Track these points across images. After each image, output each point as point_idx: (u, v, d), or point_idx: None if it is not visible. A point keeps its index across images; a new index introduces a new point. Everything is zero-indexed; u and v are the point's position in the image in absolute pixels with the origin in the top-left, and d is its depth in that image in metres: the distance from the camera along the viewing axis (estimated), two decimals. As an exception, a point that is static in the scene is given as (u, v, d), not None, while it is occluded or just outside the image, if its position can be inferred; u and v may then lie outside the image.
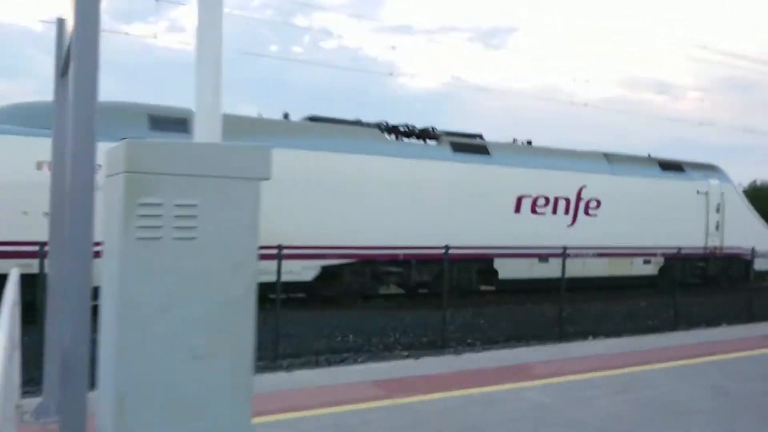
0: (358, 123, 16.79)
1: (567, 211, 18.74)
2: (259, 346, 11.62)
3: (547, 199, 18.36)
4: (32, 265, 8.62)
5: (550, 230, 17.97)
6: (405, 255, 16.21)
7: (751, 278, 18.27)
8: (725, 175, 22.77)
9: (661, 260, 20.36)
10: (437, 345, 12.76)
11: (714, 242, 21.55)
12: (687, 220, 20.70)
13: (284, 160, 11.67)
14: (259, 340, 10.37)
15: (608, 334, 15.00)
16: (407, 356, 11.02)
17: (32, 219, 10.98)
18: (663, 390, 6.05)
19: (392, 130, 17.10)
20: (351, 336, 13.05)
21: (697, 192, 21.26)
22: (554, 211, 18.52)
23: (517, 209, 17.94)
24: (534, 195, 18.14)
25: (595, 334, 14.71)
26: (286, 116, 16.04)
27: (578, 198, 18.84)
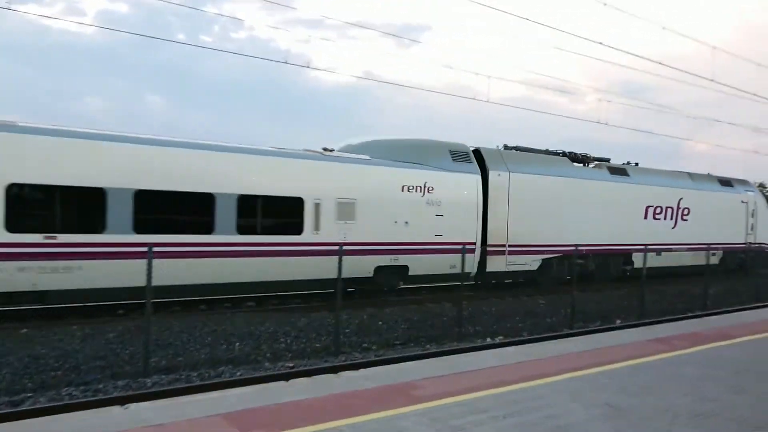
0: (546, 151, 22.45)
1: (672, 217, 24.91)
2: (129, 359, 10.60)
3: (661, 208, 24.41)
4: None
5: (662, 231, 24.16)
6: (586, 251, 21.06)
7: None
8: (753, 187, 30.04)
9: (721, 253, 26.57)
10: (331, 351, 11.97)
11: (749, 239, 28.16)
12: (736, 223, 27.47)
13: (530, 182, 20.26)
14: (130, 353, 9.16)
15: (507, 333, 14.80)
16: (292, 368, 10.17)
17: (397, 226, 17.37)
18: (554, 411, 5.52)
19: (569, 156, 22.84)
20: (237, 343, 12.00)
21: (741, 201, 27.85)
22: (665, 218, 24.63)
23: (645, 216, 23.90)
24: (654, 205, 24.15)
25: (494, 334, 14.44)
26: (506, 147, 21.46)
27: (678, 207, 25.04)
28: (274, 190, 15.56)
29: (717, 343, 8.79)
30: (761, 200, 29.45)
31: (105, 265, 13.16)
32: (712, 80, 18.13)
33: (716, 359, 7.84)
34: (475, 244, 18.75)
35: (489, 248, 19.29)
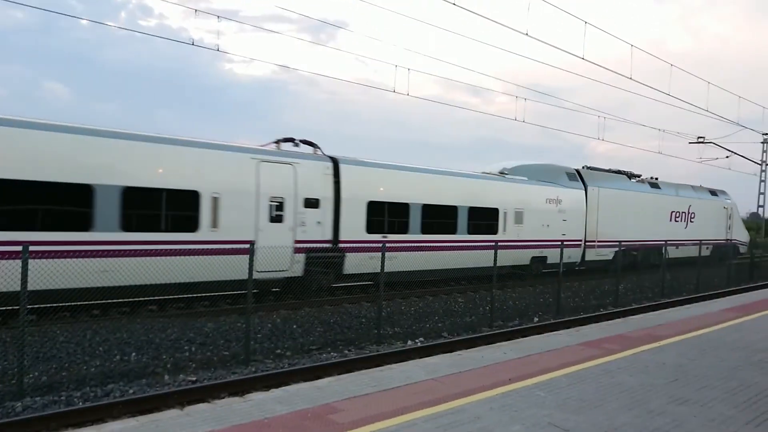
0: (610, 170, 29.28)
1: (684, 220, 32.08)
2: (1, 377, 9.08)
3: (678, 213, 31.53)
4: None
5: (678, 231, 31.11)
6: (638, 246, 28.16)
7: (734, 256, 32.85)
8: (730, 196, 37.14)
9: (711, 246, 32.02)
10: (240, 359, 10.91)
11: (729, 236, 36.13)
12: (721, 224, 35.36)
13: (610, 194, 27.03)
14: (2, 368, 7.71)
15: (427, 334, 14.24)
16: (194, 382, 9.07)
17: (543, 228, 23.59)
18: (494, 434, 4.86)
19: (626, 174, 29.76)
20: (134, 353, 10.72)
21: (723, 207, 35.84)
22: (681, 220, 31.74)
23: (670, 219, 30.92)
24: (676, 210, 31.35)
25: (414, 336, 13.84)
26: (587, 167, 28.00)
27: (688, 212, 32.34)
28: (486, 203, 21.66)
29: (646, 346, 8.50)
30: (735, 207, 38.48)
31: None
32: (630, 77, 18.31)
33: (650, 365, 7.49)
34: (581, 240, 25.63)
35: (587, 243, 26.16)
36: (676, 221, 31.59)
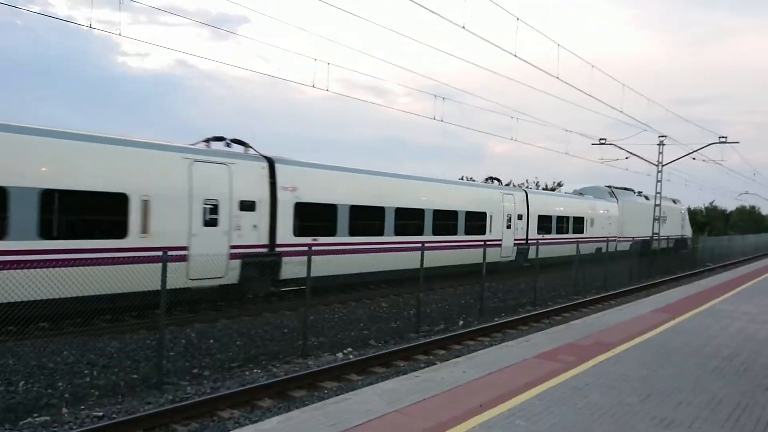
0: (624, 188, 40.39)
1: (662, 221, 38.81)
2: None
3: (657, 217, 37.75)
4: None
5: (660, 229, 38.07)
6: (636, 239, 38.43)
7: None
8: (682, 202, 49.62)
9: (640, 241, 38.69)
10: (152, 382, 9.61)
11: (682, 233, 46.78)
12: (678, 223, 46.18)
13: (628, 205, 38.52)
14: None
15: (354, 343, 13.42)
16: (101, 418, 7.74)
17: (600, 229, 35.05)
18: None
19: (630, 189, 41.42)
20: (22, 382, 9.15)
21: (680, 212, 48.08)
22: (662, 222, 38.57)
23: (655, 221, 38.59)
24: (657, 215, 37.70)
25: (341, 345, 12.97)
26: (610, 186, 39.02)
27: (663, 215, 39.25)
28: (574, 212, 33.14)
29: (602, 357, 8.12)
30: (686, 211, 51.07)
31: None
32: (557, 77, 18.32)
33: (615, 379, 7.06)
34: (616, 237, 36.05)
35: (618, 239, 36.43)
36: (655, 221, 37.96)
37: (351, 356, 12.03)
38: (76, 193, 12.26)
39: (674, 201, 47.11)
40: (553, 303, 21.00)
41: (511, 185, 42.33)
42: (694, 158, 33.00)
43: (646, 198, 40.79)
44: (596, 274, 25.56)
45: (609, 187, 38.58)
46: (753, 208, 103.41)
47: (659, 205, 35.37)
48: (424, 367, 10.48)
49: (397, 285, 19.99)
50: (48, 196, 11.87)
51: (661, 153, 33.08)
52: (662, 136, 32.86)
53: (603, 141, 34.26)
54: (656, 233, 35.18)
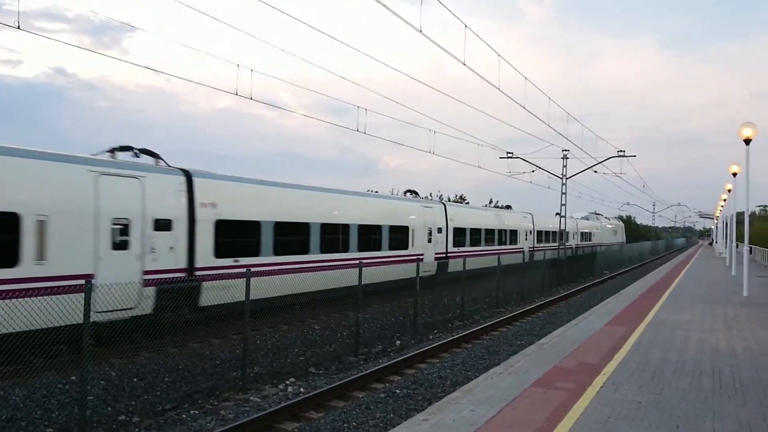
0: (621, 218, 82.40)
1: (604, 237, 63.23)
2: None
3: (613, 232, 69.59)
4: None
5: (605, 240, 62.43)
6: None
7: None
8: (619, 220, 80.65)
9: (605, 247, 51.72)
10: (71, 437, 8.04)
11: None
12: (615, 236, 69.44)
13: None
14: None
15: (294, 371, 12.25)
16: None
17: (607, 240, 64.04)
18: None
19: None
20: None
21: (614, 229, 70.86)
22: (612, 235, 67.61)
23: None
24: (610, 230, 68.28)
25: (281, 375, 11.76)
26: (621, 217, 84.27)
27: (605, 230, 65.84)
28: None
29: (597, 381, 7.59)
30: (621, 225, 71.82)
31: None
32: (497, 87, 18.02)
33: (630, 407, 6.51)
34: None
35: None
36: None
37: (300, 388, 10.89)
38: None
39: (619, 219, 71.43)
40: (479, 316, 20.77)
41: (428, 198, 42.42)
42: (596, 171, 34.37)
43: (607, 221, 64.04)
44: (512, 285, 25.67)
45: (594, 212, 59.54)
46: (629, 217, 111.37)
47: (564, 216, 36.50)
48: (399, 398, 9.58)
49: (326, 305, 18.86)
50: None
51: (565, 167, 34.17)
52: (565, 150, 33.98)
53: (510, 154, 34.91)
54: (563, 244, 36.17)
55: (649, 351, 9.70)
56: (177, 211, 14.18)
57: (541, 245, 40.16)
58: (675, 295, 19.03)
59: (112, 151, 14.03)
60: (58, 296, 10.47)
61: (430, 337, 16.87)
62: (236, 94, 15.99)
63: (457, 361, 12.84)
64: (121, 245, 12.71)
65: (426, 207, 26.55)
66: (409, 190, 29.00)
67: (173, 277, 13.77)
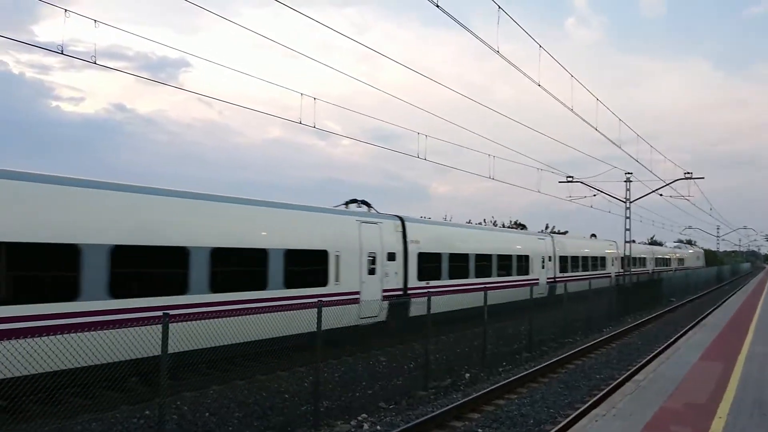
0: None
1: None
2: None
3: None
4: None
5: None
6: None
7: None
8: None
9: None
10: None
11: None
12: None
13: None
14: None
15: (365, 406, 11.77)
16: None
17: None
18: None
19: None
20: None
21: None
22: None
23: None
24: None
25: (352, 411, 11.30)
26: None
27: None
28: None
29: (716, 425, 6.84)
30: (701, 251, 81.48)
31: None
32: (571, 109, 17.47)
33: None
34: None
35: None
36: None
37: (375, 426, 10.38)
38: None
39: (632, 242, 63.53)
40: (546, 347, 19.88)
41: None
42: (661, 194, 33.06)
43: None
44: (578, 313, 24.56)
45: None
46: (690, 242, 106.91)
47: (631, 241, 35.19)
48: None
49: (392, 335, 18.27)
50: None
51: (628, 190, 33.00)
52: (628, 173, 32.84)
53: (570, 178, 33.97)
54: (628, 269, 34.71)
55: (761, 389, 8.84)
56: (398, 247, 19.35)
57: (569, 274, 39.58)
58: (764, 325, 17.78)
59: (347, 203, 19.84)
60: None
61: (500, 369, 16.16)
62: (300, 122, 15.96)
63: (536, 396, 12.14)
64: (371, 272, 17.99)
65: (540, 239, 30.85)
66: (518, 224, 33.02)
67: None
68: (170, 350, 8.07)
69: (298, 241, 15.68)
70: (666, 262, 60.15)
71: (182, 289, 12.31)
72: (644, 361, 14.99)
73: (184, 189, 13.39)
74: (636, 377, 9.71)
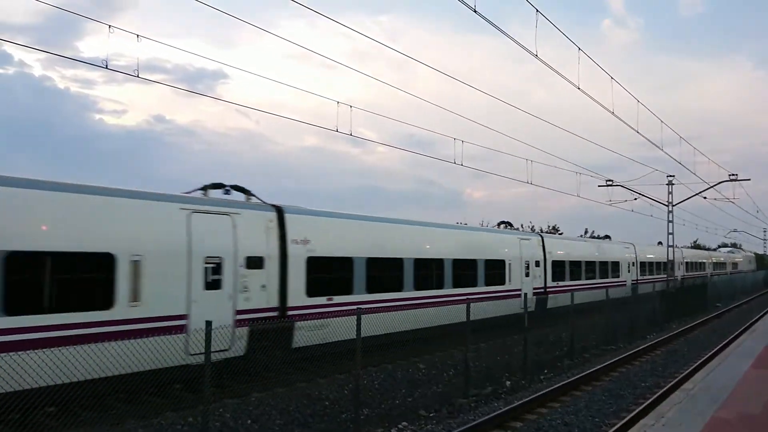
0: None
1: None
2: None
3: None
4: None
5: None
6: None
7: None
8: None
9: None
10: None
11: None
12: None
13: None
14: None
15: (405, 414, 11.70)
16: None
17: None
18: None
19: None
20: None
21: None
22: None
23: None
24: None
25: (392, 419, 11.25)
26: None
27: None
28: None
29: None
30: (753, 255, 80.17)
31: None
32: (612, 112, 17.22)
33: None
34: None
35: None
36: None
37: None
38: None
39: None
40: (588, 354, 19.49)
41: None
42: (705, 197, 32.20)
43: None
44: (619, 319, 23.96)
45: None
46: (735, 245, 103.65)
47: (673, 246, 34.26)
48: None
49: (429, 342, 18.19)
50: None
51: (670, 193, 32.23)
52: (670, 176, 32.08)
53: (609, 182, 33.35)
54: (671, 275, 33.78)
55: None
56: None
57: (645, 277, 35.75)
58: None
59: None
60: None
61: (541, 377, 15.92)
62: (336, 130, 16.04)
63: (580, 405, 11.90)
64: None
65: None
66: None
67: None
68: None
69: (491, 254, 22.51)
70: (721, 266, 62.65)
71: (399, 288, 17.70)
72: (692, 368, 14.58)
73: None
74: (684, 386, 9.44)
